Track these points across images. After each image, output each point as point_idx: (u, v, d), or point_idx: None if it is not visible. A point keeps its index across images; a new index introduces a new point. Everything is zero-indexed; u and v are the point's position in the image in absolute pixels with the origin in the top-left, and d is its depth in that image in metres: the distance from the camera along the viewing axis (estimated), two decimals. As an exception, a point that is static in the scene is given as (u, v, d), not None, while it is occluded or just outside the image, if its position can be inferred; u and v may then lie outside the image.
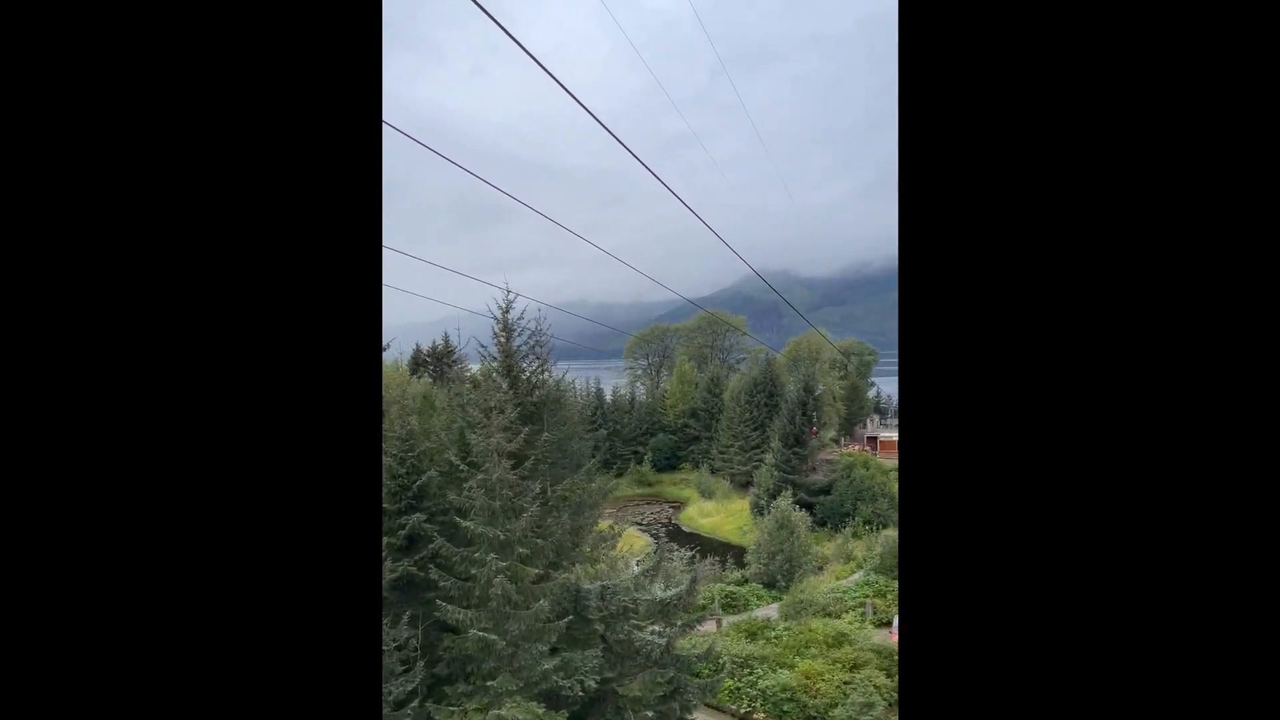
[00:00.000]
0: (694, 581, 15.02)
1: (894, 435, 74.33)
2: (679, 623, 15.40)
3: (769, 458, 51.87)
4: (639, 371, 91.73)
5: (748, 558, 38.09)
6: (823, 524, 48.34)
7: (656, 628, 14.91)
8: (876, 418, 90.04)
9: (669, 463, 72.93)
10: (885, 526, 45.50)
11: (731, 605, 33.50)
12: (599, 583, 14.34)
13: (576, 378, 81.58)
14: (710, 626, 30.35)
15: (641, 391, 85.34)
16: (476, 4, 3.69)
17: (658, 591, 14.65)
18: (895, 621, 28.85)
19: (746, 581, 37.10)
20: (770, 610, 31.79)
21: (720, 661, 23.15)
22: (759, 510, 49.48)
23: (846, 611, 30.67)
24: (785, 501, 40.21)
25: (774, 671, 22.66)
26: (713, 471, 65.11)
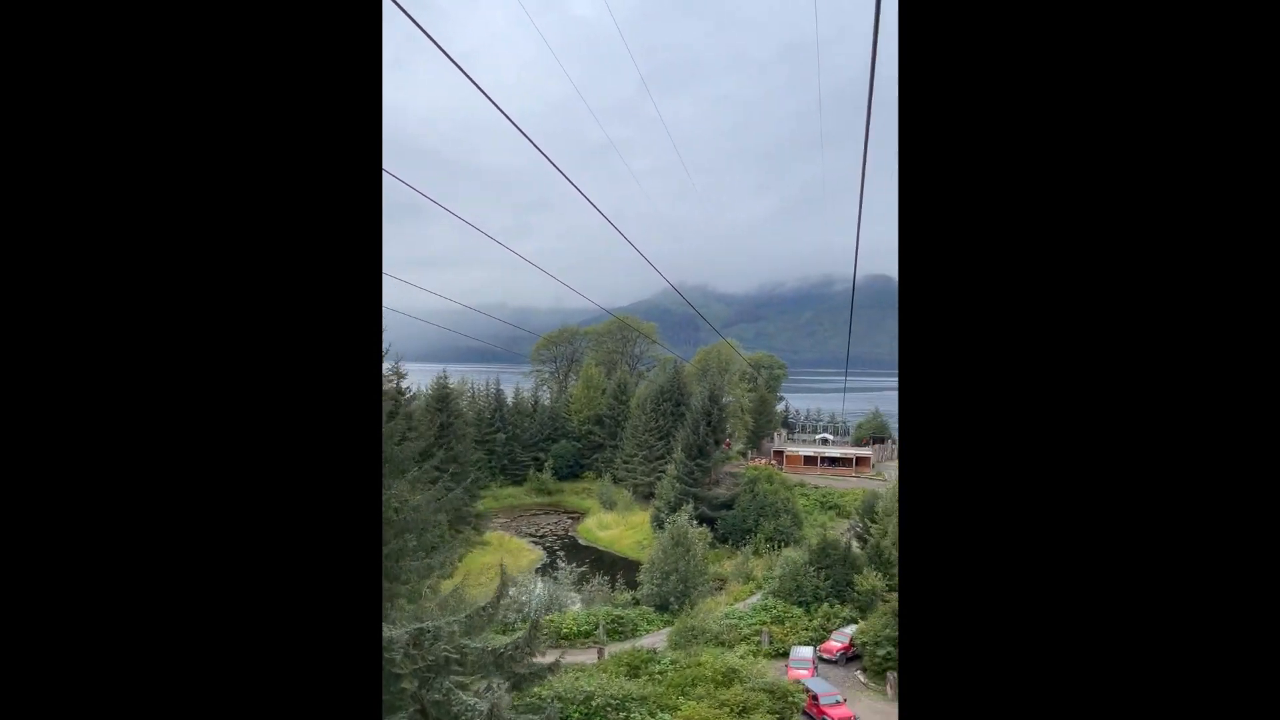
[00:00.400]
0: (535, 629, 11.69)
1: (800, 450, 73.30)
2: (522, 672, 12.05)
3: (671, 469, 49.19)
4: (546, 375, 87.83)
5: (640, 577, 34.96)
6: (724, 540, 45.94)
7: (492, 684, 11.55)
8: (784, 431, 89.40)
9: (571, 471, 69.35)
10: (786, 544, 43.57)
11: (618, 631, 30.33)
12: (414, 625, 10.80)
13: (482, 380, 77.69)
14: (591, 656, 27.02)
15: (548, 396, 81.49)
16: (400, 8, 3.30)
17: (493, 639, 11.31)
18: (794, 653, 26.39)
19: (638, 603, 34.02)
20: (660, 637, 28.79)
21: (593, 704, 19.85)
22: (659, 524, 46.76)
23: (741, 641, 28.01)
24: (683, 517, 37.45)
25: (652, 717, 19.55)
26: (615, 481, 61.99)
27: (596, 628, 29.95)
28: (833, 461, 72.98)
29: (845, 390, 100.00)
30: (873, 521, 37.21)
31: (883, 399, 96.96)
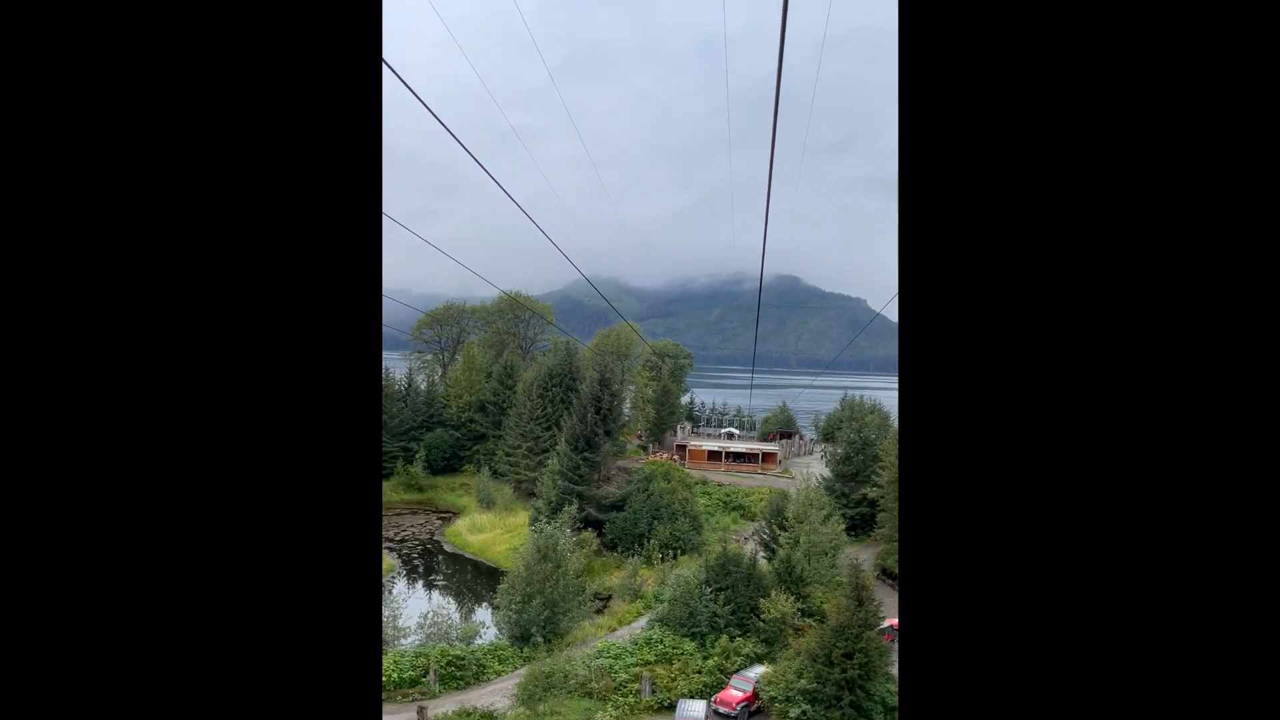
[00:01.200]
0: None
1: (705, 444, 67.80)
2: None
3: (553, 463, 42.19)
4: (428, 358, 78.96)
5: (496, 599, 27.67)
6: (612, 547, 39.44)
7: None
8: (688, 425, 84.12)
9: (448, 464, 61.22)
10: (684, 552, 37.43)
11: (457, 677, 23.11)
12: None
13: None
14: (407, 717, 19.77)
15: (429, 380, 72.79)
16: None
17: None
18: (681, 709, 20.04)
19: (492, 637, 26.89)
20: (513, 681, 21.81)
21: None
22: (539, 527, 39.91)
23: (615, 691, 21.40)
24: (562, 521, 30.57)
25: None
26: (496, 476, 54.43)
27: (426, 674, 22.61)
28: (738, 457, 67.94)
29: (752, 386, 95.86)
30: (781, 529, 31.54)
31: (789, 395, 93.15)
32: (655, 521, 38.33)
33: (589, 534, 38.04)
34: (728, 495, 51.61)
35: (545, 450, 50.80)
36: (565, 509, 38.37)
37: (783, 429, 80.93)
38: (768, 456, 66.77)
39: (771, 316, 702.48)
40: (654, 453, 71.28)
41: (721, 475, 61.95)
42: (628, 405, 74.79)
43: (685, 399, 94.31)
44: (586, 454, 41.17)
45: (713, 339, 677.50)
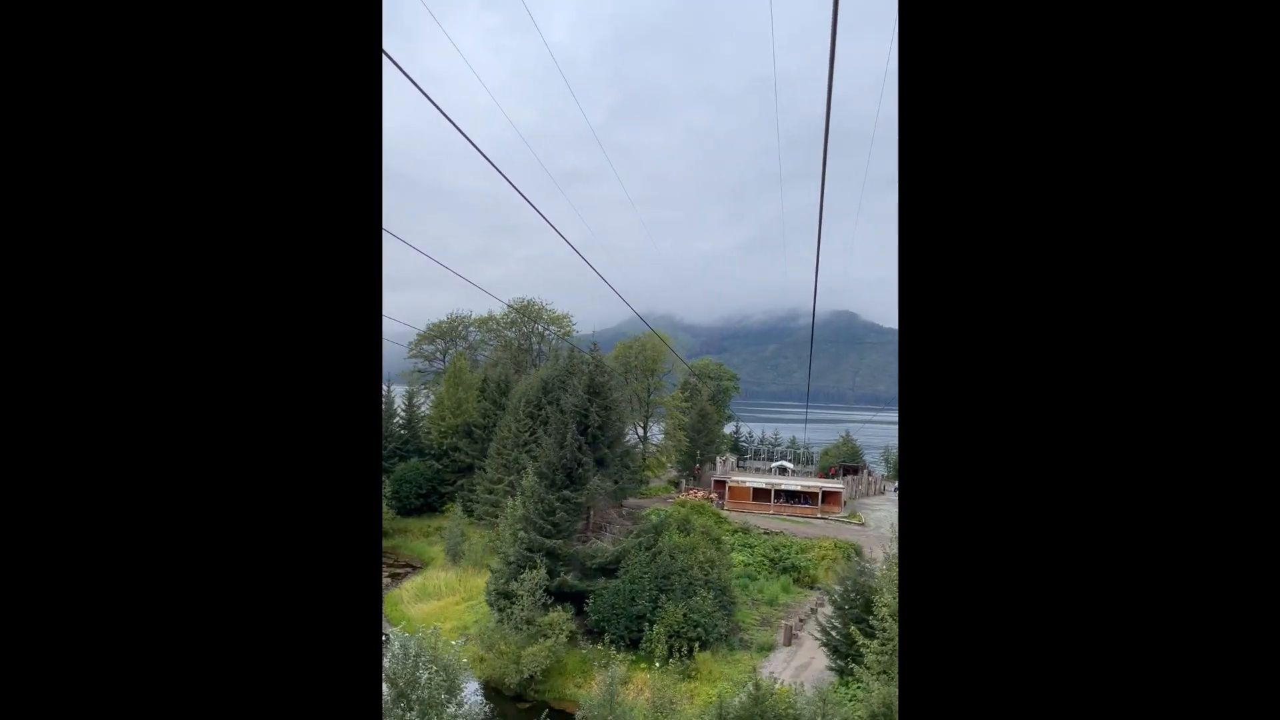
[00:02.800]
0: None
1: (750, 480, 53.95)
2: None
3: (513, 505, 28.81)
4: (431, 378, 67.64)
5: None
6: (598, 632, 25.99)
7: None
8: (732, 458, 70.22)
9: (425, 502, 48.98)
10: (704, 646, 23.90)
11: None
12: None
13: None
14: None
15: (427, 403, 61.29)
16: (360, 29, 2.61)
17: None
18: None
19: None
20: None
21: None
22: (493, 600, 26.86)
23: None
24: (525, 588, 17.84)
25: None
26: (472, 518, 41.86)
27: None
28: (792, 496, 53.88)
29: (807, 420, 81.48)
30: (865, 627, 17.81)
31: (850, 430, 78.32)
32: (663, 595, 24.97)
33: (560, 613, 24.93)
34: (777, 549, 37.61)
35: (573, 481, 38.09)
36: (527, 573, 25.40)
37: (846, 463, 66.22)
38: (830, 496, 52.55)
39: (828, 353, 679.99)
40: (687, 490, 57.77)
41: (769, 519, 48.10)
42: (651, 431, 61.59)
43: (730, 428, 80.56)
44: (566, 492, 28.09)
45: (767, 374, 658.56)
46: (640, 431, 59.55)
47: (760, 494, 53.60)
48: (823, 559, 35.55)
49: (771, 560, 36.23)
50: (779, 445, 76.76)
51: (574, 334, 56.79)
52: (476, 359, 63.97)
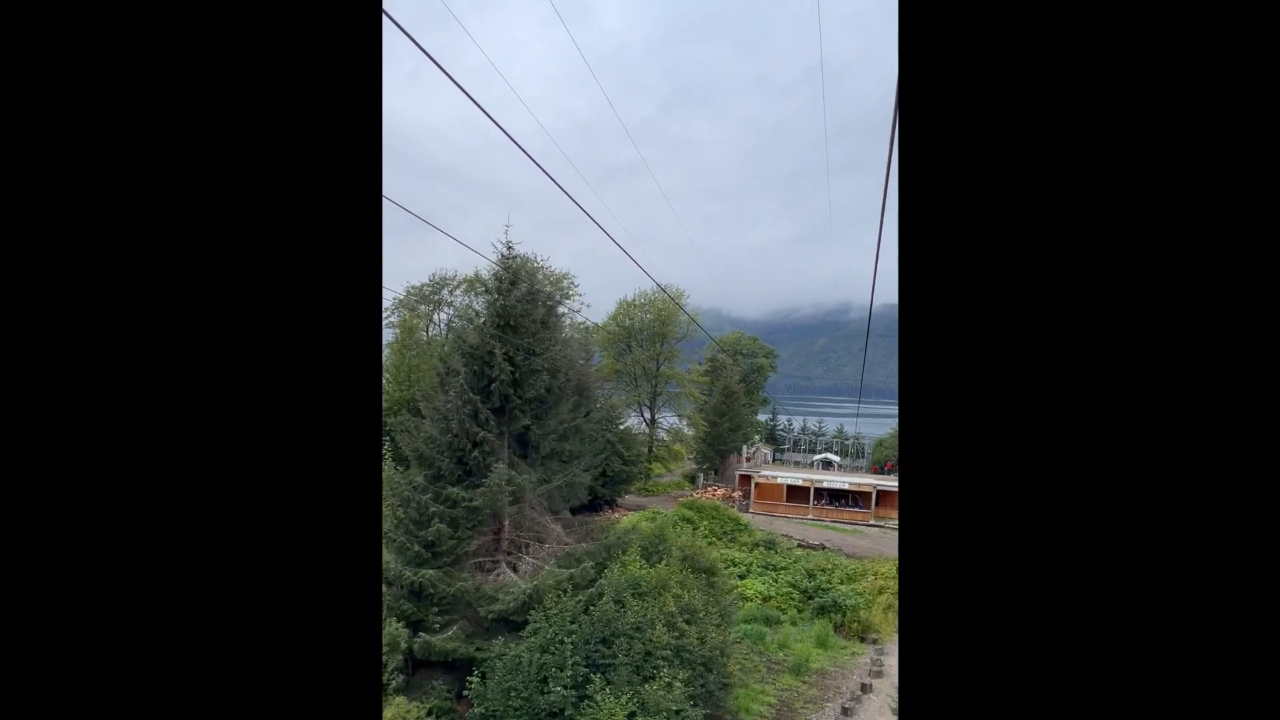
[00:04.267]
0: None
1: (783, 476, 42.52)
2: None
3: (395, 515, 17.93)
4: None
5: None
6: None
7: None
8: (765, 449, 58.70)
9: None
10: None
11: None
12: None
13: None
14: None
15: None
16: (400, 28, 3.37)
17: None
18: None
19: None
20: None
21: None
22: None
23: None
24: None
25: None
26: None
27: None
28: (837, 497, 42.30)
29: (859, 415, 69.34)
30: None
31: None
32: (597, 674, 13.98)
33: (413, 706, 14.05)
34: (814, 575, 26.28)
35: (471, 471, 27.25)
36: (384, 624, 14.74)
37: (907, 457, 54.28)
38: (886, 497, 40.87)
39: (879, 347, 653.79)
40: (705, 487, 46.58)
41: (807, 527, 36.67)
42: (667, 417, 50.42)
43: (766, 415, 68.89)
44: (455, 489, 17.06)
45: (816, 369, 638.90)
46: (647, 413, 48.33)
47: (797, 493, 42.10)
48: (880, 593, 24.03)
49: (804, 592, 24.89)
50: (823, 435, 64.84)
51: (579, 298, 46.01)
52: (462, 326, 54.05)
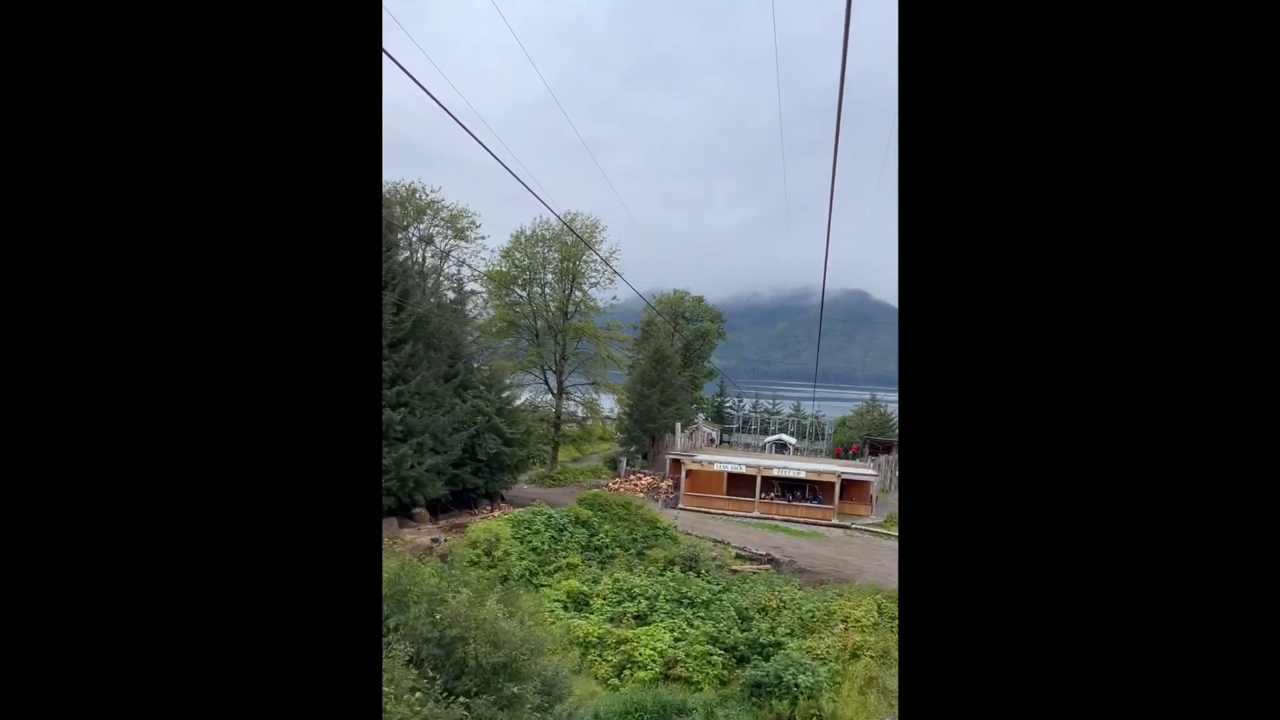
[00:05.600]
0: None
1: (723, 461, 33.05)
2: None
3: None
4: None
5: None
6: None
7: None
8: (708, 430, 49.34)
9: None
10: None
11: None
12: None
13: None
14: None
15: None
16: None
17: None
18: None
19: None
20: None
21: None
22: None
23: None
24: None
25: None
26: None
27: None
28: (791, 488, 33.10)
29: (815, 395, 60.26)
30: None
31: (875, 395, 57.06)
32: None
33: None
34: (751, 615, 16.54)
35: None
36: None
37: (874, 437, 45.16)
38: (853, 489, 31.77)
39: (838, 331, 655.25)
40: (627, 475, 36.87)
41: (750, 530, 27.25)
42: (574, 390, 40.44)
43: (712, 390, 59.48)
44: None
45: (776, 353, 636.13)
46: (553, 379, 38.11)
47: (741, 483, 32.72)
48: (855, 657, 14.55)
49: (731, 651, 15.31)
50: (777, 414, 55.71)
51: (481, 239, 35.48)
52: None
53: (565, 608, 17.43)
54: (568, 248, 34.83)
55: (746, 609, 16.71)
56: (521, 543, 21.76)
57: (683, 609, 17.22)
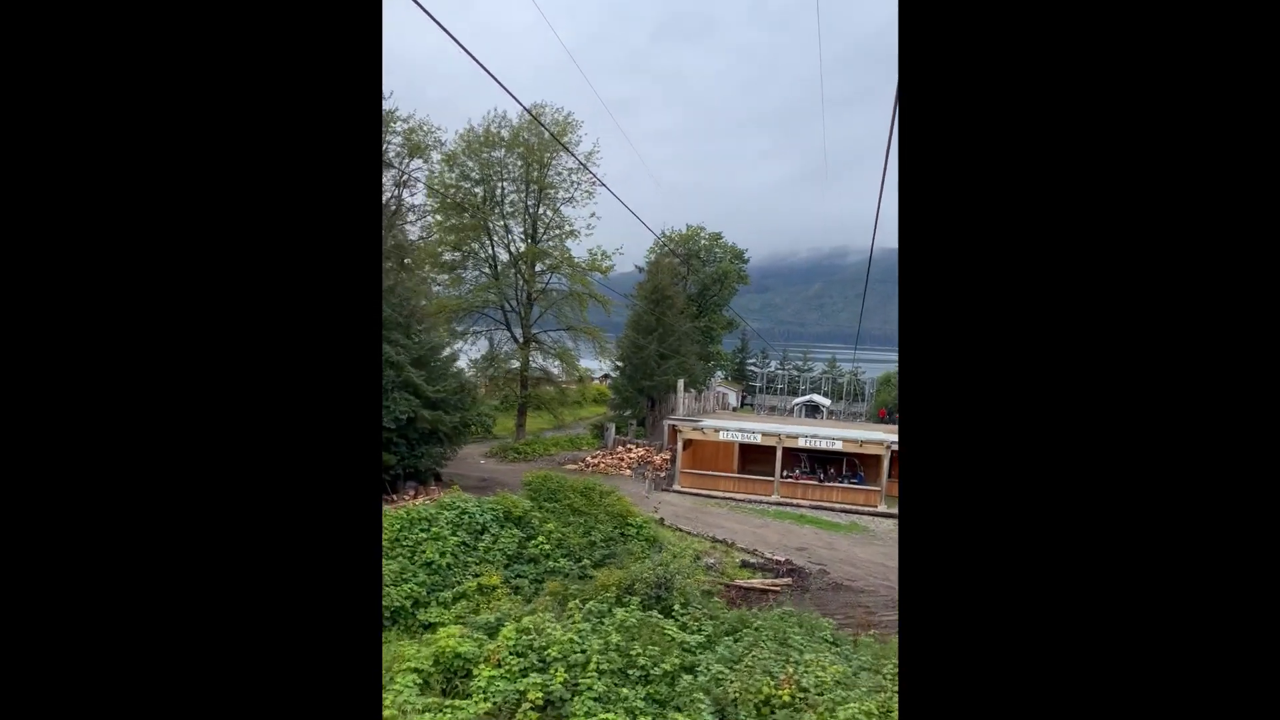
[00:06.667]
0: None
1: (732, 431, 25.15)
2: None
3: None
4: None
5: None
6: None
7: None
8: (726, 391, 41.41)
9: None
10: None
11: None
12: None
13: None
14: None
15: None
16: None
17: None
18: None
19: None
20: None
21: None
22: None
23: None
24: None
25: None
26: None
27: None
28: (824, 463, 25.25)
29: (856, 358, 51.78)
30: None
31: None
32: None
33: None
34: (736, 709, 8.33)
35: None
36: None
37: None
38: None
39: (877, 291, 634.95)
40: (609, 447, 29.30)
41: (769, 519, 19.59)
42: (547, 338, 32.51)
43: (732, 344, 51.35)
44: None
45: (811, 315, 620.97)
46: (513, 326, 30.19)
47: (755, 457, 25.03)
48: None
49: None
50: (809, 372, 47.45)
51: (436, 131, 27.64)
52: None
53: (423, 686, 9.97)
54: (533, 151, 26.73)
55: (734, 701, 9.10)
56: (412, 555, 14.40)
57: (626, 688, 9.71)
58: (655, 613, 11.95)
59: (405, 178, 28.93)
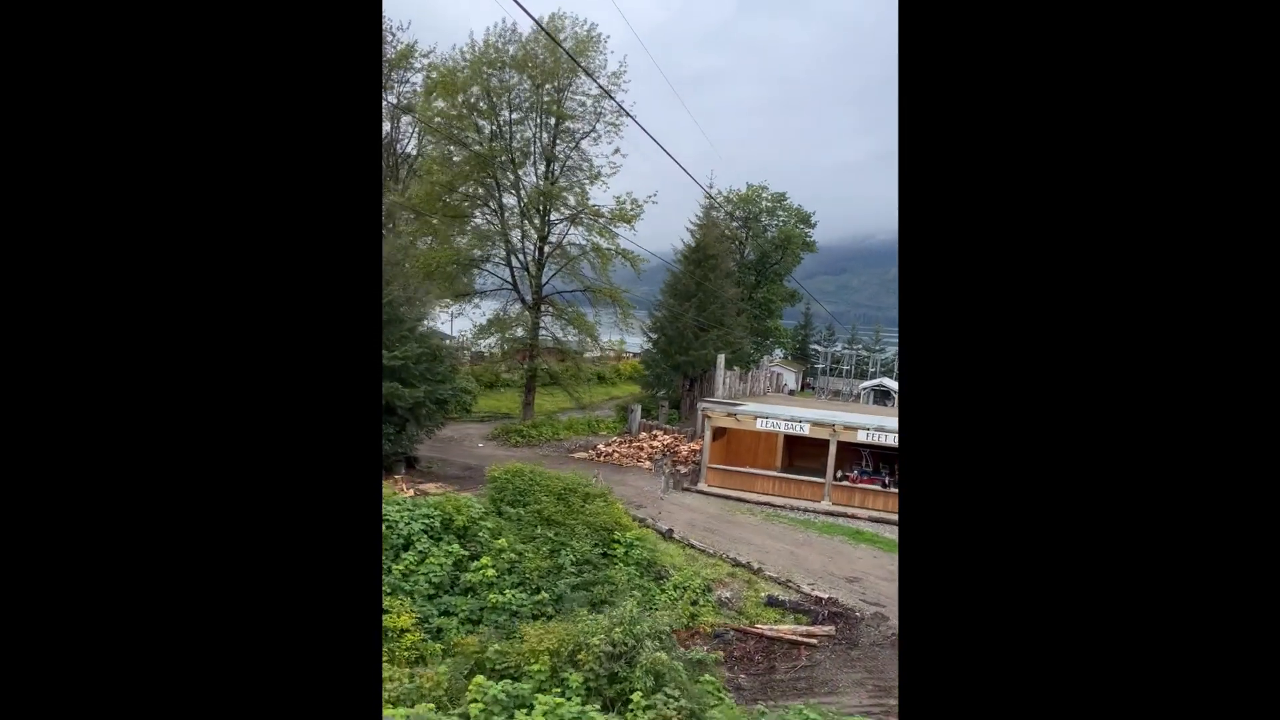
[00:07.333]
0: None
1: (777, 419, 20.16)
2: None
3: None
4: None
5: None
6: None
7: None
8: (783, 372, 36.32)
9: None
10: None
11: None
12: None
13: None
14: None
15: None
16: None
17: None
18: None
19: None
20: None
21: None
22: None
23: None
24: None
25: None
26: None
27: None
28: (889, 462, 20.25)
29: None
30: None
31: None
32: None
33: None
34: None
35: None
36: None
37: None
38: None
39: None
40: (630, 433, 24.86)
41: (812, 535, 14.78)
42: (562, 299, 27.85)
43: (793, 319, 45.85)
44: None
45: (889, 298, 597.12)
46: (517, 284, 25.69)
47: (804, 452, 20.19)
48: None
49: None
50: (879, 352, 41.64)
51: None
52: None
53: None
54: (544, 70, 22.11)
55: None
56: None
57: None
58: (594, 710, 7.48)
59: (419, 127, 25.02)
